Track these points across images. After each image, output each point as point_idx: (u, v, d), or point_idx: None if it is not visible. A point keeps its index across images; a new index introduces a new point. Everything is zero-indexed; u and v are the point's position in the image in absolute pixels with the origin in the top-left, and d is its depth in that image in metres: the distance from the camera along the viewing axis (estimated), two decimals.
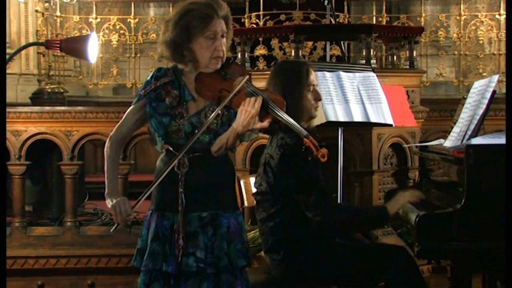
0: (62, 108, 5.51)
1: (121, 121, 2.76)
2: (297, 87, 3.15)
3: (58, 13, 8.08)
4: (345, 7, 8.25)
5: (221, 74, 2.67)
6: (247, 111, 2.54)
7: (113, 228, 2.64)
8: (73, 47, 3.86)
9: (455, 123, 3.36)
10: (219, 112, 2.63)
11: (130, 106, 2.76)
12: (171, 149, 2.70)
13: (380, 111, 3.63)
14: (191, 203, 2.66)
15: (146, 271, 2.67)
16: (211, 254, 2.64)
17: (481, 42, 8.34)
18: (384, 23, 8.20)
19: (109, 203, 2.66)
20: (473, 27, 8.16)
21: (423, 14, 8.42)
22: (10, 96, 7.44)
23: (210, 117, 2.61)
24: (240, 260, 2.69)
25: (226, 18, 2.68)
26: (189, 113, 2.67)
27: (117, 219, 2.63)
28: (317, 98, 3.22)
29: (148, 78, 2.73)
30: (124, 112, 2.78)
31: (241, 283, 2.72)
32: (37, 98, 7.54)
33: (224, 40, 2.68)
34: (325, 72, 3.59)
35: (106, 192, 2.68)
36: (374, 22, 8.35)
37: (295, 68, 3.20)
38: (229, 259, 2.66)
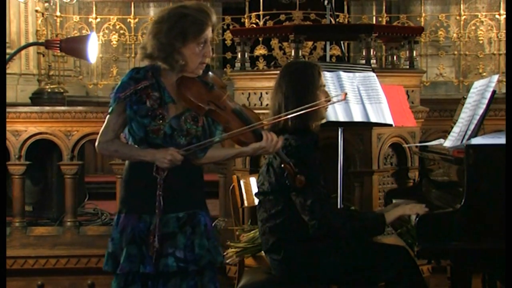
0: (62, 108, 5.51)
1: (103, 127, 2.74)
2: (310, 88, 3.16)
3: (58, 13, 8.07)
4: (345, 7, 8.24)
5: (205, 82, 2.71)
6: (266, 147, 2.68)
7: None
8: (73, 47, 3.87)
9: (455, 123, 3.36)
10: (198, 118, 2.69)
11: (108, 109, 2.73)
12: None
13: (380, 111, 3.63)
14: (169, 204, 2.67)
15: (122, 274, 2.67)
16: (191, 253, 2.66)
17: (481, 42, 8.33)
18: (384, 23, 8.19)
19: (160, 160, 2.63)
20: (473, 27, 8.16)
21: (423, 14, 8.42)
22: (10, 96, 7.44)
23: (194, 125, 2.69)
24: (219, 256, 2.75)
25: (214, 26, 2.73)
26: (170, 115, 2.68)
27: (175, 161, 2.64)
28: (327, 99, 3.25)
29: (125, 79, 2.71)
30: None
31: (217, 279, 2.78)
32: (37, 98, 7.54)
33: None
34: (325, 72, 3.59)
35: (150, 160, 2.65)
36: (374, 22, 8.34)
37: (308, 70, 3.23)
38: (212, 255, 2.70)
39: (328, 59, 5.30)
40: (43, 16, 7.92)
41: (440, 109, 5.06)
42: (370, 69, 3.91)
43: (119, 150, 2.73)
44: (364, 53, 4.39)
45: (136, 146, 2.69)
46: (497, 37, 8.15)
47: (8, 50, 6.98)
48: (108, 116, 2.74)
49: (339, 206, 3.60)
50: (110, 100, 2.73)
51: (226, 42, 7.78)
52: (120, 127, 2.72)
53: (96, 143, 2.76)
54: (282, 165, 2.87)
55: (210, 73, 2.78)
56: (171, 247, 2.65)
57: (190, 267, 2.65)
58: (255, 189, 3.35)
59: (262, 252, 3.34)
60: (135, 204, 2.70)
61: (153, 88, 2.69)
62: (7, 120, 4.55)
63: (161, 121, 2.66)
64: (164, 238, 2.65)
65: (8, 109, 4.77)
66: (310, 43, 7.43)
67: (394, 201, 3.53)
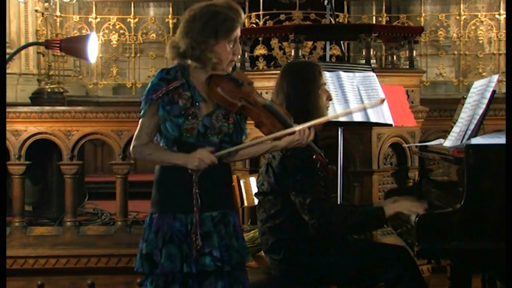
0: (62, 108, 5.51)
1: (137, 131, 2.73)
2: (312, 87, 3.18)
3: (58, 13, 8.08)
4: (345, 7, 8.25)
5: (234, 79, 2.72)
6: (300, 140, 2.70)
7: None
8: (73, 47, 3.88)
9: (455, 123, 3.36)
10: (228, 115, 2.70)
11: (140, 112, 2.72)
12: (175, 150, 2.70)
13: (380, 111, 3.63)
14: (204, 203, 2.67)
15: (161, 274, 2.66)
16: (226, 253, 2.67)
17: (481, 42, 8.35)
18: (384, 23, 8.20)
19: (193, 163, 2.63)
20: (473, 27, 8.17)
21: (423, 14, 8.42)
22: (10, 96, 7.44)
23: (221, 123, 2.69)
24: (248, 256, 2.77)
25: (242, 24, 2.74)
26: (202, 113, 2.69)
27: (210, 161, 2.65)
28: (329, 97, 3.28)
29: (156, 80, 2.70)
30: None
31: (246, 278, 2.78)
32: (37, 98, 7.55)
33: None
34: (325, 72, 3.59)
35: (182, 163, 2.65)
36: (374, 22, 8.34)
37: (309, 69, 3.24)
38: (241, 255, 2.71)
39: (328, 59, 5.30)
40: (43, 16, 7.93)
41: (440, 109, 5.06)
42: (370, 69, 3.91)
43: (153, 153, 2.72)
44: (364, 53, 4.39)
45: (167, 148, 2.69)
46: (497, 37, 8.16)
47: (8, 50, 6.98)
48: (140, 120, 2.73)
49: None
50: (141, 103, 2.72)
51: None
52: (153, 130, 2.71)
53: (131, 147, 2.76)
54: (314, 157, 2.88)
55: (236, 69, 2.81)
56: (208, 246, 2.65)
57: (225, 267, 2.66)
58: (255, 189, 3.35)
59: (262, 252, 3.34)
60: (169, 204, 2.70)
61: (184, 88, 2.69)
62: (7, 120, 4.54)
63: (194, 120, 2.66)
64: (202, 237, 2.65)
65: (8, 109, 4.77)
66: (310, 43, 7.43)
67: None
